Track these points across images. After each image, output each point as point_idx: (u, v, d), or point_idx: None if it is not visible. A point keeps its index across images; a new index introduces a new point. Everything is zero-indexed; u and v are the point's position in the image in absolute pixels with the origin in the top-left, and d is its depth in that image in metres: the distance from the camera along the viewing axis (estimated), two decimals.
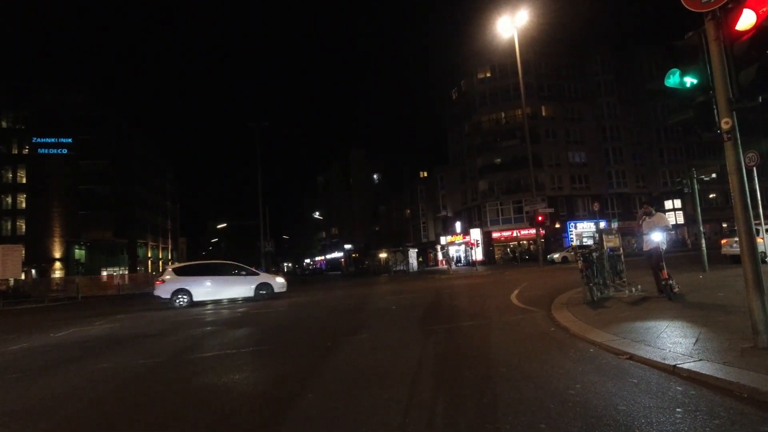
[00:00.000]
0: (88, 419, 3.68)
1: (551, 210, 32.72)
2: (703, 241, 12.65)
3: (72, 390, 4.58)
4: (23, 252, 35.90)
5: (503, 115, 47.06)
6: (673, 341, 4.50)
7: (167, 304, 14.91)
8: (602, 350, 4.65)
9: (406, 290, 15.86)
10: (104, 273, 44.83)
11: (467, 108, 48.85)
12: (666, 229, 7.90)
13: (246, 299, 15.55)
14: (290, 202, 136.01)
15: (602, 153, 47.01)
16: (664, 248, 7.73)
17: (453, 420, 3.07)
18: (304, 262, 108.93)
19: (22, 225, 47.93)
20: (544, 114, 46.13)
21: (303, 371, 4.74)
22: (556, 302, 8.29)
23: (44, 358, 6.61)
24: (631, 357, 4.20)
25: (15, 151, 48.71)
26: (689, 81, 4.40)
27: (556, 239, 42.65)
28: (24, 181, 48.49)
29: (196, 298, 14.92)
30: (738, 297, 6.32)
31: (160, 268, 59.65)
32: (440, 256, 49.57)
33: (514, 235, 44.43)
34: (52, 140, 48.27)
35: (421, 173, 62.44)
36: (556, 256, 33.09)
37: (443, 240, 52.82)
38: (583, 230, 43.66)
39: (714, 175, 13.94)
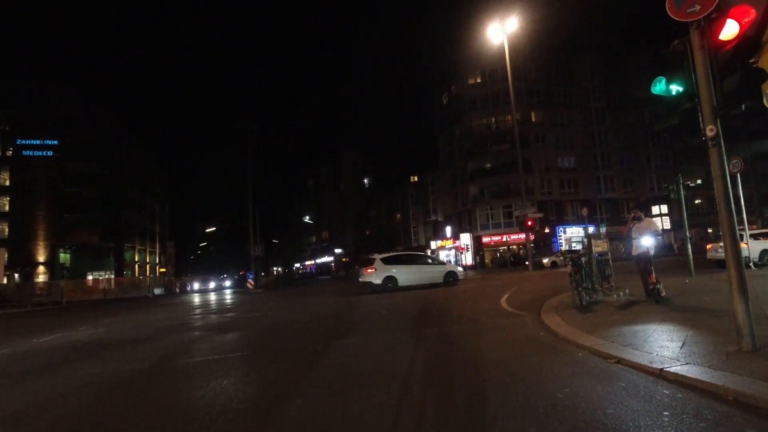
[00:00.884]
0: (71, 427, 3.60)
1: (541, 215, 32.99)
2: (689, 245, 12.84)
3: (55, 397, 4.48)
4: (6, 256, 35.23)
5: (493, 119, 47.47)
6: (660, 345, 4.55)
7: (378, 288, 16.78)
8: (591, 354, 4.68)
9: (395, 295, 15.83)
10: (90, 277, 44.06)
11: (458, 112, 49.19)
12: (656, 233, 8.04)
13: (434, 285, 17.10)
14: (280, 205, 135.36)
15: (591, 158, 47.62)
16: (652, 253, 7.85)
17: (443, 423, 3.07)
18: (293, 266, 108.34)
19: (5, 228, 46.92)
20: (533, 119, 46.65)
21: (292, 375, 4.70)
22: (545, 306, 8.34)
23: (26, 364, 6.46)
24: (619, 361, 4.24)
25: None
26: (675, 88, 4.49)
27: (545, 244, 43.00)
28: (8, 183, 47.54)
29: (400, 284, 16.99)
30: (723, 301, 6.41)
31: (148, 272, 58.90)
32: None
33: (504, 239, 44.71)
34: (38, 142, 47.36)
35: (412, 177, 62.54)
36: (545, 260, 33.33)
37: (434, 244, 52.94)
38: (572, 235, 44.10)
39: (699, 181, 14.21)
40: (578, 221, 43.74)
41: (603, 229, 37.93)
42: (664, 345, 4.54)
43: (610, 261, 9.39)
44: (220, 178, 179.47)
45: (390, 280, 16.86)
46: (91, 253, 49.53)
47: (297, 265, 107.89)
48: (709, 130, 4.14)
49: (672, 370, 3.67)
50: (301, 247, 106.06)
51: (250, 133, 33.98)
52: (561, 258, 30.18)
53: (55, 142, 47.60)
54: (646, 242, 7.84)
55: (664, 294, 7.56)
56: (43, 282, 39.07)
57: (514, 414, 3.11)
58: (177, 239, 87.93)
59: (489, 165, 46.43)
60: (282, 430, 3.18)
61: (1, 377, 5.60)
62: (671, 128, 4.73)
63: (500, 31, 24.93)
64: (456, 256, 47.04)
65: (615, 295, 8.49)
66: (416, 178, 61.37)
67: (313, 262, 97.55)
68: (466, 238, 44.99)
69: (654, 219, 27.10)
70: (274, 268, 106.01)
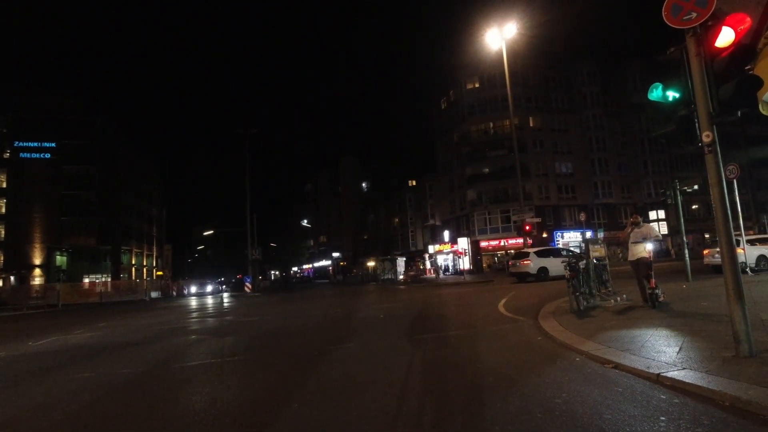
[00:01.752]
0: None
1: (538, 220, 32.92)
2: (687, 251, 12.88)
3: (50, 401, 4.45)
4: (1, 258, 35.04)
5: (491, 125, 47.59)
6: (657, 350, 4.56)
7: (533, 278, 18.97)
8: (588, 359, 4.68)
9: (393, 299, 15.82)
10: (86, 280, 43.87)
11: (456, 118, 49.32)
12: (655, 239, 8.06)
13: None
14: (278, 209, 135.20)
15: (588, 164, 47.76)
16: (651, 258, 7.88)
17: (441, 429, 3.06)
18: (291, 269, 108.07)
19: (1, 230, 46.71)
20: (531, 125, 46.79)
21: (289, 380, 4.68)
22: (543, 311, 8.34)
23: (22, 368, 6.42)
24: (617, 366, 4.24)
25: None
26: (671, 95, 4.52)
27: None
28: (4, 185, 47.37)
29: (551, 274, 18.65)
30: (720, 306, 6.43)
31: (144, 276, 58.64)
32: (428, 265, 49.60)
33: (502, 244, 44.70)
34: (35, 144, 47.29)
35: (410, 182, 62.56)
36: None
37: (431, 249, 52.92)
38: (569, 240, 44.13)
39: (696, 187, 14.23)
40: (576, 226, 43.81)
41: (600, 234, 37.93)
42: (661, 350, 4.54)
43: (608, 266, 9.41)
44: (218, 182, 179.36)
45: (543, 270, 19.11)
46: (87, 256, 49.31)
47: (294, 268, 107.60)
48: (706, 137, 4.18)
49: (669, 375, 3.68)
50: (298, 251, 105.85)
51: (249, 137, 33.98)
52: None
53: (53, 145, 47.55)
54: (648, 247, 7.88)
55: (662, 299, 7.57)
56: (39, 285, 38.84)
57: (512, 419, 3.10)
58: (174, 243, 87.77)
59: (487, 170, 46.51)
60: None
61: None
62: (668, 134, 4.76)
63: (498, 37, 25.04)
64: (454, 260, 47.02)
65: (612, 300, 8.50)
66: (414, 183, 61.39)
67: (310, 266, 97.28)
68: (463, 243, 44.99)
69: (652, 224, 27.16)
70: (272, 272, 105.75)
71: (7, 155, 47.41)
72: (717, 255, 13.78)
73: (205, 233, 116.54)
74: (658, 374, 3.74)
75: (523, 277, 19.65)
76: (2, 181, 47.50)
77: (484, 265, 45.08)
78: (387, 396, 3.84)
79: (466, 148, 47.71)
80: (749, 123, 45.66)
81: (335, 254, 77.27)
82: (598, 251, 9.27)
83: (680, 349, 4.50)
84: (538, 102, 47.30)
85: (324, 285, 46.42)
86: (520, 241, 33.08)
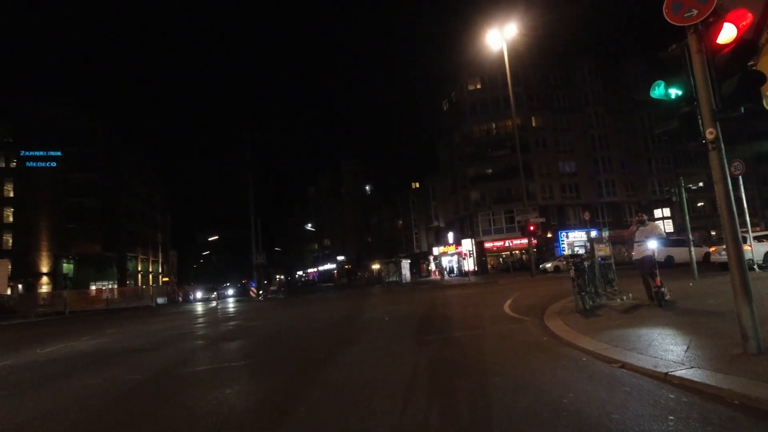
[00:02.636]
0: None
1: (542, 219, 32.92)
2: (692, 248, 12.79)
3: (59, 408, 4.47)
4: (9, 266, 35.30)
5: (494, 125, 47.54)
6: (664, 349, 4.53)
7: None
8: (595, 359, 4.66)
9: (399, 301, 15.81)
10: (93, 287, 44.09)
11: (458, 118, 49.29)
12: (661, 237, 8.03)
13: None
14: (282, 213, 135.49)
15: (591, 162, 47.57)
16: (655, 256, 7.84)
17: (447, 429, 3.06)
18: (296, 274, 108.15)
19: (8, 239, 47.06)
20: (533, 124, 46.69)
21: (295, 382, 4.69)
22: (548, 311, 8.31)
23: (31, 375, 6.46)
24: (624, 365, 4.22)
25: (2, 165, 48.05)
26: (674, 92, 4.50)
27: (547, 248, 42.86)
28: (11, 194, 47.78)
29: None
30: (727, 304, 6.37)
31: (150, 282, 58.89)
32: (433, 267, 49.57)
33: (506, 244, 44.57)
34: (41, 153, 47.71)
35: (413, 184, 62.48)
36: (548, 265, 33.23)
37: (436, 250, 52.82)
38: (574, 239, 43.87)
39: (701, 184, 14.11)
40: (580, 225, 43.58)
41: (605, 233, 37.68)
42: (668, 349, 4.51)
43: (613, 265, 9.36)
44: (222, 187, 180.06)
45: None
46: (93, 263, 49.62)
47: (300, 272, 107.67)
48: (709, 133, 4.15)
49: (677, 374, 3.65)
50: (303, 254, 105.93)
51: (251, 142, 34.11)
52: (564, 262, 30.09)
53: (59, 153, 47.94)
54: (651, 245, 7.84)
55: (668, 297, 7.53)
56: (47, 292, 39.09)
57: (519, 420, 3.09)
58: (179, 248, 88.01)
59: (490, 170, 46.43)
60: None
61: (6, 388, 5.60)
62: (671, 132, 4.73)
63: (499, 37, 25.08)
64: (458, 261, 46.93)
65: (618, 299, 8.46)
66: (417, 185, 61.34)
67: (315, 269, 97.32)
68: (468, 244, 44.89)
69: (657, 223, 27.02)
70: (277, 276, 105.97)
71: (13, 164, 47.86)
72: (723, 252, 13.67)
73: (210, 239, 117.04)
74: (666, 373, 3.71)
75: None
76: (9, 191, 47.94)
77: (489, 266, 44.96)
78: (393, 398, 3.84)
79: (469, 149, 47.67)
80: (753, 118, 45.32)
81: (340, 257, 77.33)
82: (603, 250, 9.23)
83: (688, 348, 4.47)
84: (539, 101, 47.21)
85: (329, 288, 46.47)
86: (525, 241, 33.00)
